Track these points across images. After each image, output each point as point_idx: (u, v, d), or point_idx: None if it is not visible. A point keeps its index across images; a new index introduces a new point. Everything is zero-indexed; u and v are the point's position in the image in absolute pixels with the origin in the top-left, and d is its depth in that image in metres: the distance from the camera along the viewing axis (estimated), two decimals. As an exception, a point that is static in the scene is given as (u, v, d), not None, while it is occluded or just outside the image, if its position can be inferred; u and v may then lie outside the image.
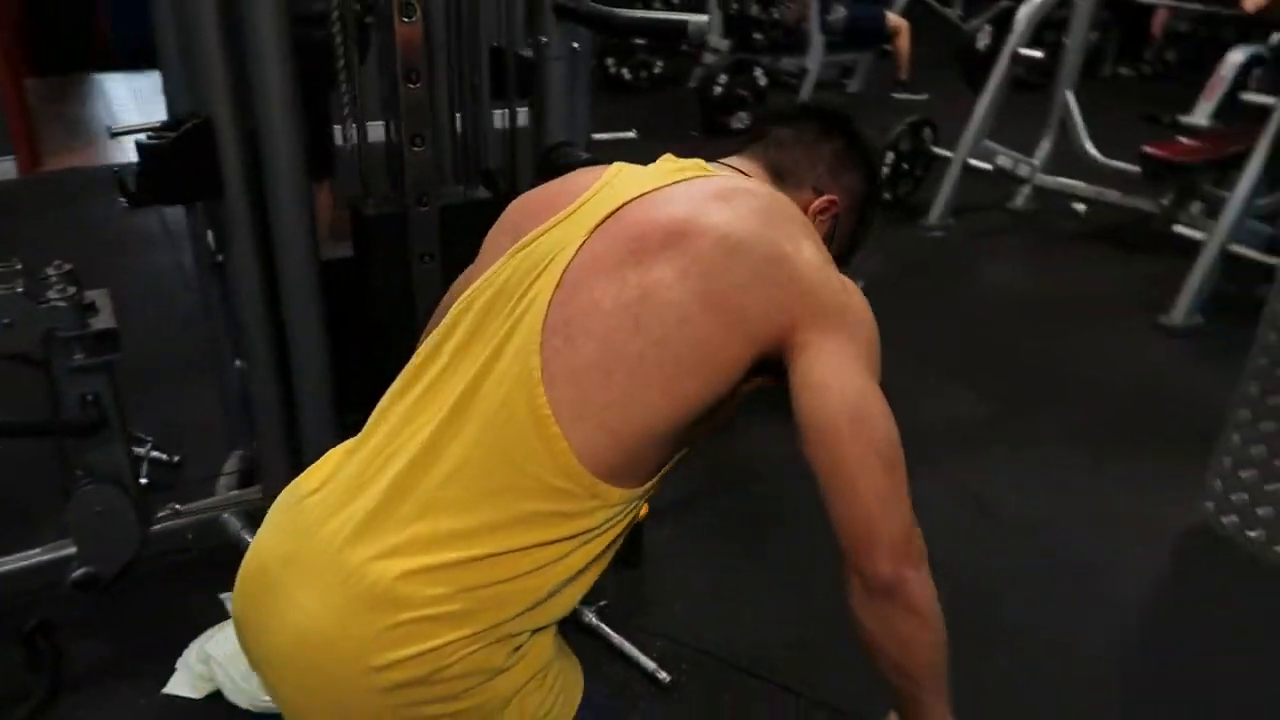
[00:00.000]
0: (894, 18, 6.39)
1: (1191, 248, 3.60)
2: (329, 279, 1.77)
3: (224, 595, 2.04)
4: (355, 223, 1.83)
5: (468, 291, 1.01)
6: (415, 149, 1.61)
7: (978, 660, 1.98)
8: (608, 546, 0.93)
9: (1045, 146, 4.45)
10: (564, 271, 0.92)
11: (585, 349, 0.87)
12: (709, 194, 0.95)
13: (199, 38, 1.58)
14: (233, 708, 1.84)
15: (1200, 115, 4.03)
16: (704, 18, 1.55)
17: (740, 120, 5.63)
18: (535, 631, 0.91)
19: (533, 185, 1.91)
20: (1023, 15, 4.13)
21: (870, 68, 6.88)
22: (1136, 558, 2.35)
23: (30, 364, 1.69)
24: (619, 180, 1.01)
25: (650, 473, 0.93)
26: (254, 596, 0.95)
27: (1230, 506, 2.35)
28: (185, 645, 1.95)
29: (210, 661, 1.87)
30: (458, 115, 1.83)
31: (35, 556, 1.86)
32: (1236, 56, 3.93)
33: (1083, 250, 4.28)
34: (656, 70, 6.60)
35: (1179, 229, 3.79)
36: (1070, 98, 4.37)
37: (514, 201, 1.11)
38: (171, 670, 1.91)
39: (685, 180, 0.99)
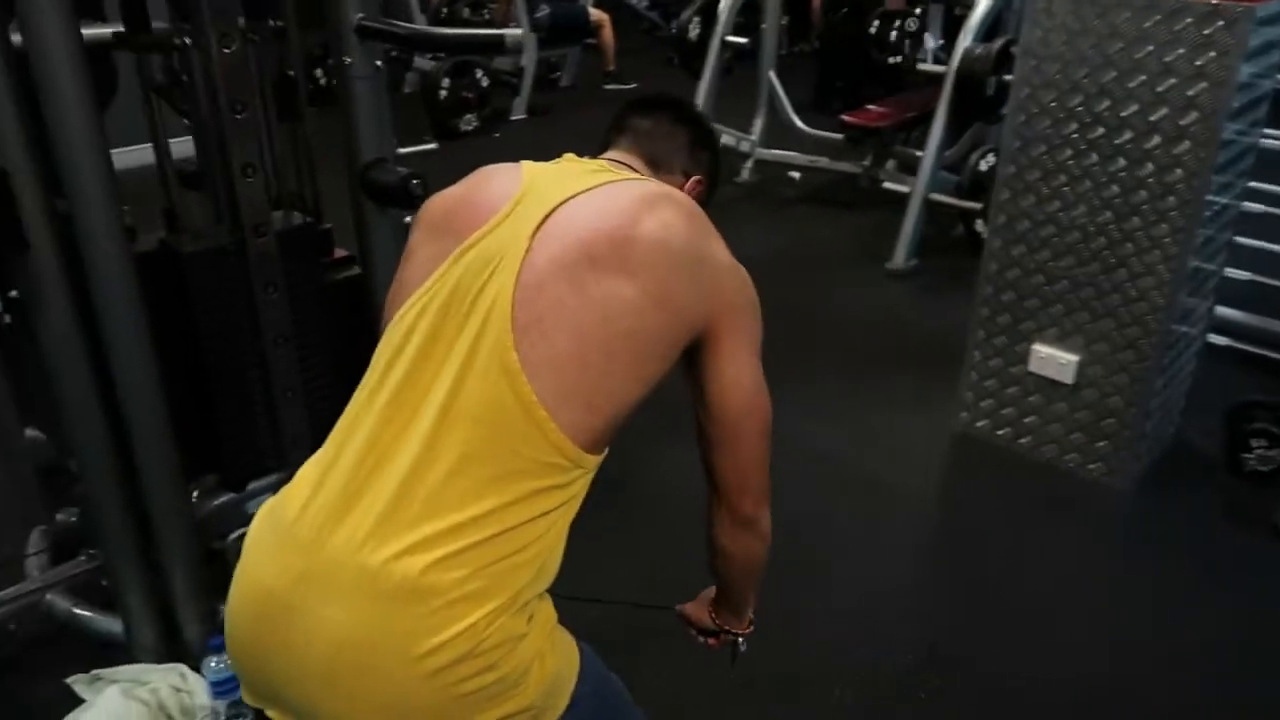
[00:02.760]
0: (596, 12, 6.67)
1: (896, 200, 4.14)
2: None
3: (72, 680, 1.88)
4: (170, 261, 1.74)
5: (415, 296, 1.04)
6: (248, 179, 1.57)
7: (812, 565, 2.26)
8: (573, 513, 1.04)
9: (759, 123, 4.90)
10: (519, 272, 1.00)
11: (560, 342, 0.97)
12: (635, 200, 1.07)
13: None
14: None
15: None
16: (519, 30, 1.64)
17: (469, 123, 5.62)
18: (539, 599, 1.01)
19: (353, 204, 1.92)
20: (724, 6, 4.53)
21: (578, 61, 7.14)
22: (914, 466, 2.73)
23: None
24: (542, 182, 1.08)
25: (610, 440, 1.05)
26: (267, 620, 0.96)
27: (981, 413, 2.79)
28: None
29: (79, 750, 1.73)
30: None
31: None
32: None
33: (806, 212, 4.76)
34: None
35: (887, 185, 4.33)
36: (774, 77, 4.83)
37: (428, 203, 1.16)
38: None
39: (605, 185, 1.09)
